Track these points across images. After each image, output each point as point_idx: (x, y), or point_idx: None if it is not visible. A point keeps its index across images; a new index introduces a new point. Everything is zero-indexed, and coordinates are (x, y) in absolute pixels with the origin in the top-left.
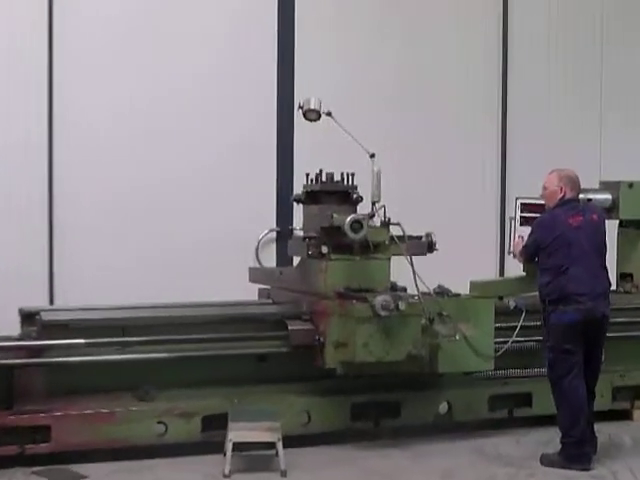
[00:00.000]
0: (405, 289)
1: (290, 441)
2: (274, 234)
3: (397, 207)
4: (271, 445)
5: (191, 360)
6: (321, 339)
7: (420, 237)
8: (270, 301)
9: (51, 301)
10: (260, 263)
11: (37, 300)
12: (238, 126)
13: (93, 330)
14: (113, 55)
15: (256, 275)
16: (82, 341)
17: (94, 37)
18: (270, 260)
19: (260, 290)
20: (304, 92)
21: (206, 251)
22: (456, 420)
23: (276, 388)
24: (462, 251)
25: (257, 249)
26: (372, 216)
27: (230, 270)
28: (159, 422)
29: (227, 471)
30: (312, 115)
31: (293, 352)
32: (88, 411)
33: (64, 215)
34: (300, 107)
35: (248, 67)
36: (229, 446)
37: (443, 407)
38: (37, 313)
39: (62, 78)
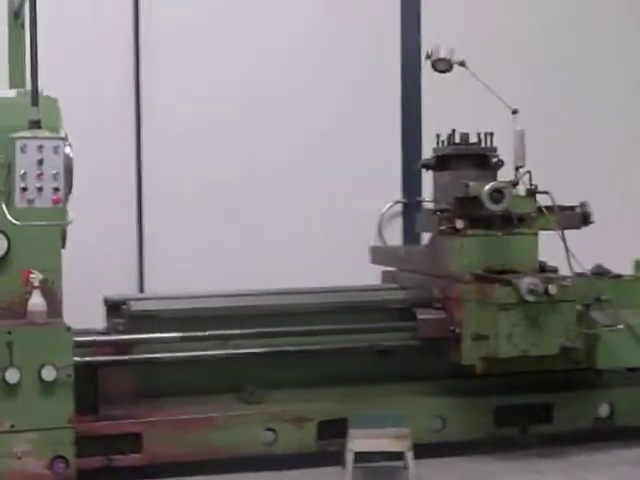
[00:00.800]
0: (556, 270)
1: (420, 451)
2: (399, 207)
3: (542, 173)
4: (399, 455)
5: (303, 355)
6: (456, 330)
7: (573, 207)
8: (395, 286)
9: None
10: (384, 241)
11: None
12: (353, 81)
13: (188, 322)
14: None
15: (379, 255)
16: (177, 335)
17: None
18: (395, 238)
19: (384, 273)
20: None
21: (319, 230)
22: (619, 425)
23: (403, 388)
24: (623, 224)
25: (379, 225)
26: (516, 184)
27: (348, 250)
28: (267, 429)
29: None
30: (442, 65)
31: (422, 346)
32: (184, 416)
33: (154, 201)
34: (428, 56)
35: (365, 13)
36: (350, 457)
37: (603, 410)
38: (124, 302)
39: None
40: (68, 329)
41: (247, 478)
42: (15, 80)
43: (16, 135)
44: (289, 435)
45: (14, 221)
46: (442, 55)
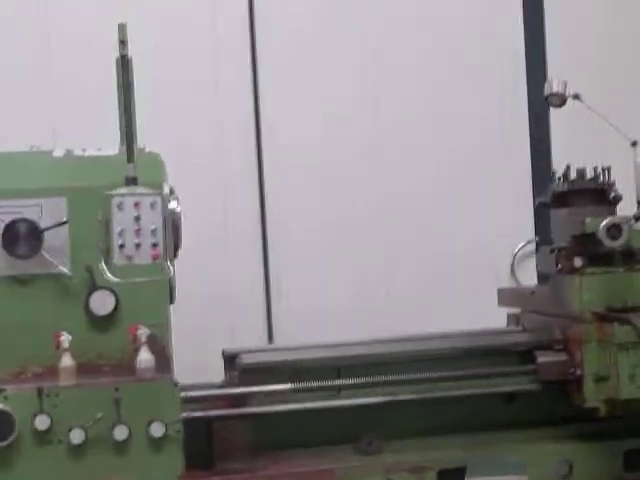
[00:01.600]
0: None
1: None
2: (533, 246)
3: None
4: None
5: (419, 403)
6: (577, 372)
7: None
8: (516, 328)
9: (270, 338)
10: (517, 281)
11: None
12: (481, 113)
13: (301, 373)
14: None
15: (506, 297)
16: (288, 386)
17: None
18: (531, 278)
19: (509, 315)
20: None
21: (446, 272)
22: None
23: (526, 434)
24: None
25: (512, 265)
26: (638, 218)
27: (479, 293)
28: (387, 479)
29: None
30: (556, 100)
31: (544, 389)
32: (302, 469)
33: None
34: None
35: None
36: None
37: None
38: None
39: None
40: (176, 384)
41: None
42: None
43: (112, 192)
44: None
45: (113, 278)
46: (555, 90)
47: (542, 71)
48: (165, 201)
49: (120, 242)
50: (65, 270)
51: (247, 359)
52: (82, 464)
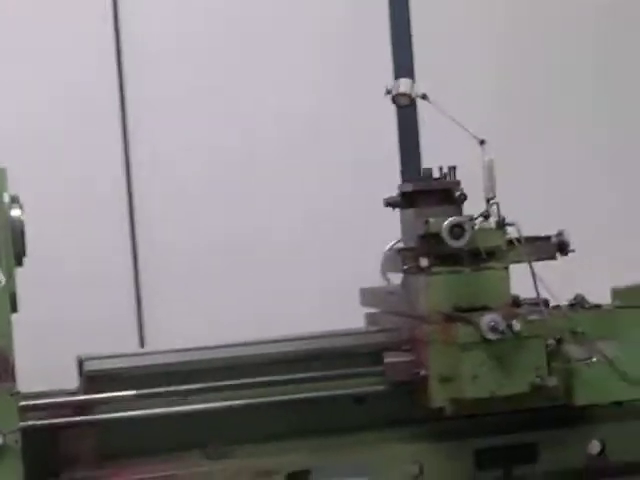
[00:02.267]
0: (547, 302)
1: None
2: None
3: (516, 204)
4: None
5: (269, 407)
6: (422, 372)
7: (549, 237)
8: (365, 329)
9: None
10: (389, 282)
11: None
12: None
13: (145, 379)
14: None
15: (367, 297)
16: (132, 393)
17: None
18: None
19: (367, 315)
20: None
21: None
22: (612, 461)
23: (376, 436)
24: (608, 252)
25: (383, 264)
26: (487, 216)
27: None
28: None
29: None
30: (403, 100)
31: (394, 390)
32: (146, 475)
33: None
34: (388, 91)
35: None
36: None
37: (594, 447)
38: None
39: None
40: (13, 394)
41: None
42: None
43: None
44: None
45: None
46: (402, 90)
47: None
48: (4, 210)
49: None
50: None
51: (91, 366)
52: None
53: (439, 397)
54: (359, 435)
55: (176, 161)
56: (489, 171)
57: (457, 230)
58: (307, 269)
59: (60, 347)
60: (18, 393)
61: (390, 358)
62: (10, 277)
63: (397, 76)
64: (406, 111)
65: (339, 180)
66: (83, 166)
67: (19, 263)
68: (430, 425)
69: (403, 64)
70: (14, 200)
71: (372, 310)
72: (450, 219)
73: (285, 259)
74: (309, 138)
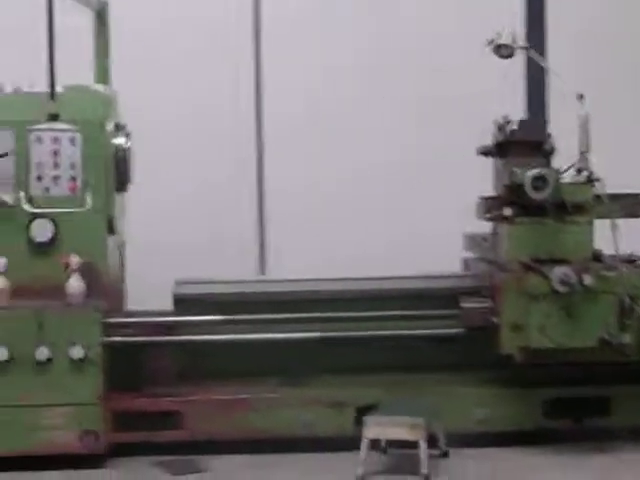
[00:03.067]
0: (633, 259)
1: (463, 441)
2: None
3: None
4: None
5: (344, 342)
6: (495, 319)
7: (636, 195)
8: (460, 273)
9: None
10: None
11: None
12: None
13: (232, 305)
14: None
15: (466, 242)
16: (218, 317)
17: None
18: None
19: (463, 260)
20: None
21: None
22: None
23: (444, 377)
24: None
25: (476, 210)
26: (580, 170)
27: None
28: (305, 412)
29: (360, 473)
30: (505, 51)
31: (468, 334)
32: (224, 396)
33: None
34: (490, 42)
35: None
36: (364, 444)
37: None
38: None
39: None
40: (97, 310)
41: (284, 459)
42: (100, 76)
43: (31, 127)
44: (327, 419)
45: (28, 208)
46: (504, 41)
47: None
48: (107, 137)
49: (37, 174)
50: (7, 199)
51: (181, 289)
52: (7, 379)
53: (509, 345)
54: (430, 375)
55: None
56: (584, 125)
57: (539, 182)
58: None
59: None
60: (104, 310)
61: (466, 303)
62: (108, 202)
63: (529, 26)
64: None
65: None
66: (212, 92)
67: (121, 189)
68: (500, 371)
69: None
70: (119, 128)
71: (469, 255)
72: (533, 170)
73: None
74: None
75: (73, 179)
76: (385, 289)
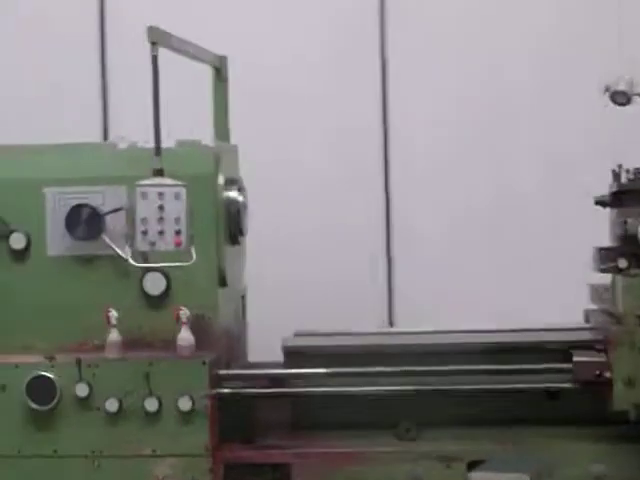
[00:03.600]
0: None
1: None
2: None
3: None
4: None
5: (455, 394)
6: (608, 374)
7: None
8: (579, 325)
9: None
10: None
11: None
12: None
13: (341, 358)
14: None
15: (592, 293)
16: (322, 370)
17: None
18: None
19: (586, 312)
20: None
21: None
22: None
23: (557, 431)
24: None
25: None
26: None
27: None
28: (415, 466)
29: None
30: (621, 98)
31: (580, 389)
32: (333, 450)
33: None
34: (607, 89)
35: None
36: None
37: None
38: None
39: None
40: (204, 362)
41: None
42: (219, 132)
43: (138, 183)
44: (437, 473)
45: (133, 262)
46: (621, 88)
47: None
48: (217, 191)
49: (142, 229)
50: (122, 253)
51: (290, 342)
52: (117, 431)
53: (622, 400)
54: (543, 430)
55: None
56: None
57: None
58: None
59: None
60: (213, 362)
61: (578, 357)
62: (218, 255)
63: None
64: None
65: None
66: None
67: (235, 242)
68: (616, 427)
69: None
70: (232, 182)
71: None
72: None
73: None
74: None
75: (178, 233)
76: (499, 342)
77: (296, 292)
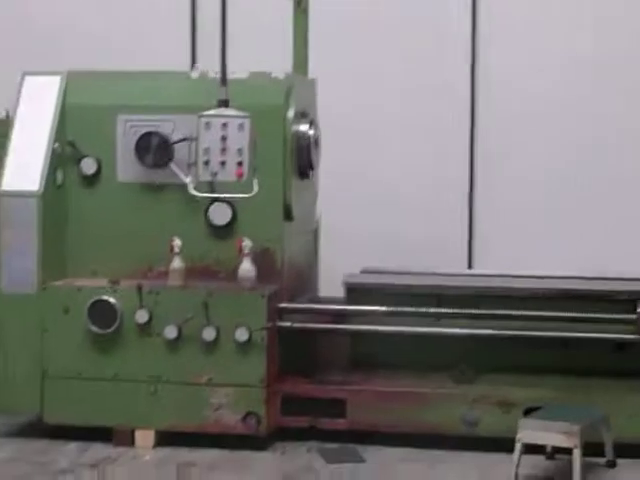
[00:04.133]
0: None
1: (632, 450)
2: None
3: None
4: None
5: (516, 340)
6: None
7: None
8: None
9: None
10: None
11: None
12: None
13: (403, 297)
14: None
15: None
16: (382, 308)
17: None
18: None
19: None
20: None
21: None
22: None
23: (617, 383)
24: None
25: None
26: None
27: None
28: (470, 409)
29: (514, 475)
30: None
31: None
32: (389, 388)
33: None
34: None
35: None
36: (517, 447)
37: None
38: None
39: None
40: (263, 295)
41: (445, 456)
42: (298, 65)
43: (201, 113)
44: (493, 418)
45: (194, 192)
46: None
47: None
48: (286, 124)
49: (205, 159)
50: (188, 182)
51: (352, 279)
52: (175, 358)
53: None
54: (602, 381)
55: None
56: None
57: None
58: None
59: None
60: (272, 295)
61: None
62: (285, 189)
63: None
64: None
65: None
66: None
67: (304, 176)
68: None
69: None
70: (303, 115)
71: None
72: None
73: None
74: None
75: (240, 164)
76: (568, 289)
77: (372, 232)
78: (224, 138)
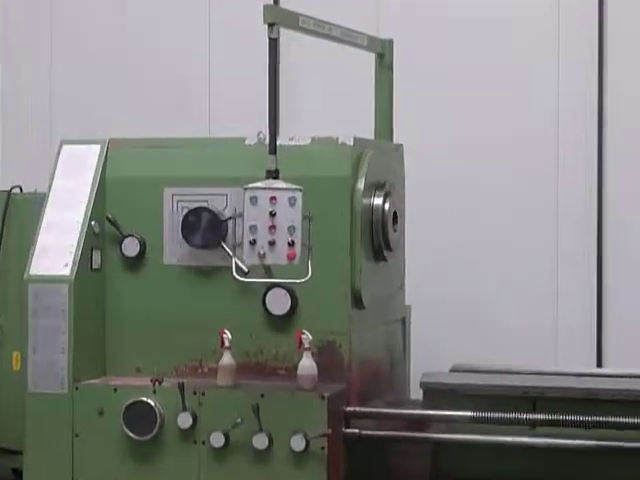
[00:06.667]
0: None
1: None
2: None
3: None
4: None
5: (622, 452)
6: None
7: None
8: None
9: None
10: None
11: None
12: None
13: (489, 400)
14: None
15: None
16: (467, 414)
17: None
18: None
19: None
20: None
21: None
22: None
23: None
24: None
25: None
26: None
27: None
28: None
29: None
30: None
31: None
32: None
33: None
34: None
35: None
36: None
37: None
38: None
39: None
40: (323, 397)
41: None
42: (381, 128)
43: (247, 185)
44: None
45: (238, 277)
46: None
47: None
48: (354, 197)
49: (251, 238)
50: (242, 265)
51: (429, 379)
52: (222, 469)
53: None
54: None
55: None
56: None
57: None
58: None
59: None
60: (326, 397)
61: None
62: (355, 270)
63: None
64: None
65: None
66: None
67: (378, 257)
68: None
69: None
70: (378, 186)
71: None
72: None
73: None
74: None
75: (291, 245)
76: None
77: (468, 316)
78: (273, 214)
